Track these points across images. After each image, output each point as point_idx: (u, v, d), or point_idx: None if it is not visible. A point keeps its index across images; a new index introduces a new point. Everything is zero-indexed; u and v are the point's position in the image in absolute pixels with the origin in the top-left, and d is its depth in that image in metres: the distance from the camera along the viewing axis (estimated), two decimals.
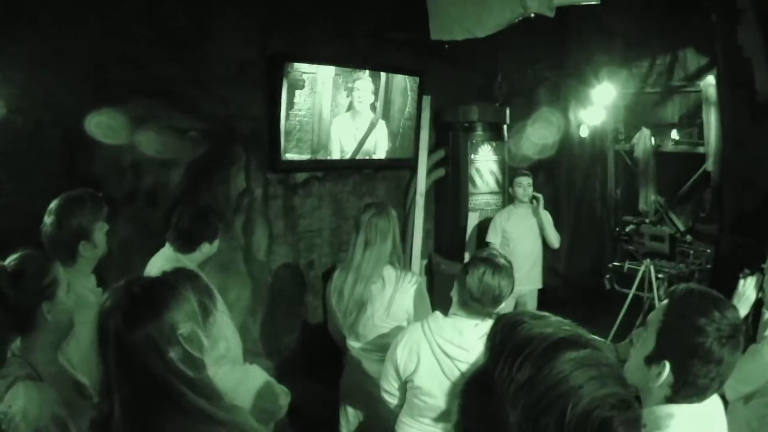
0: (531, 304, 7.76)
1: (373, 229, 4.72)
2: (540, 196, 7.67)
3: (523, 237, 7.69)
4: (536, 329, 1.45)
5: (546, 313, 1.58)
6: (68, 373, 3.04)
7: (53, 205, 3.87)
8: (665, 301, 2.44)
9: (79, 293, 3.66)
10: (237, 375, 3.43)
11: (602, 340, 6.77)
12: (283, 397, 3.73)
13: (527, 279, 7.55)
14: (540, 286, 7.91)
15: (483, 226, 8.43)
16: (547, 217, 7.76)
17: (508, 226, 7.73)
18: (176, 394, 2.15)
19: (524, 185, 7.63)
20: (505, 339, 1.46)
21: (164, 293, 2.29)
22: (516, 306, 7.59)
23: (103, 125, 5.72)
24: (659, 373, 2.29)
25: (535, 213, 7.71)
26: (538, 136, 10.04)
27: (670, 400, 2.32)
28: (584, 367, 1.36)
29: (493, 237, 7.78)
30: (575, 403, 1.32)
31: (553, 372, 1.35)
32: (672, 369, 2.28)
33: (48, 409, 2.59)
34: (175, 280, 2.80)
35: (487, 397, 1.41)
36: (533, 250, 7.75)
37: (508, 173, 8.88)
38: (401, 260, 4.96)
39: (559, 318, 1.55)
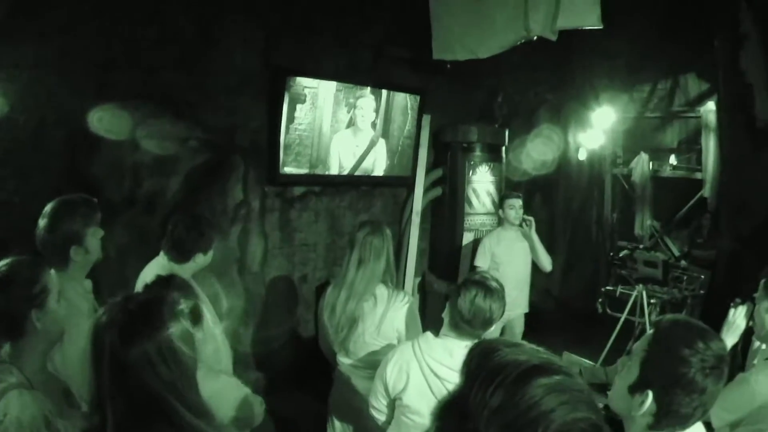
0: (518, 329, 7.65)
1: (367, 248, 4.73)
2: (531, 219, 7.49)
3: (513, 261, 7.48)
4: (510, 356, 1.47)
5: (522, 342, 1.60)
6: (57, 381, 3.01)
7: (47, 208, 3.88)
8: (650, 331, 2.45)
9: (70, 299, 3.64)
10: (212, 384, 3.42)
11: (592, 363, 6.78)
12: (258, 406, 3.74)
13: (516, 303, 7.37)
14: (527, 310, 7.72)
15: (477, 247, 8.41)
16: (537, 240, 7.54)
17: (498, 250, 7.50)
18: (171, 411, 2.14)
19: (516, 207, 7.44)
20: (480, 365, 1.48)
21: (161, 310, 2.28)
22: (503, 331, 7.54)
23: (104, 129, 5.76)
24: (642, 402, 2.30)
25: (526, 236, 7.50)
26: (537, 152, 10.03)
27: (653, 428, 2.33)
28: (555, 393, 1.38)
29: (482, 261, 7.54)
30: (546, 426, 1.33)
31: (525, 397, 1.37)
32: (655, 398, 2.29)
33: (42, 417, 2.57)
34: (170, 295, 2.80)
35: (462, 421, 1.43)
36: (523, 274, 7.56)
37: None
38: (394, 279, 4.98)
39: (533, 346, 1.57)
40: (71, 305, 3.56)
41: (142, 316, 2.21)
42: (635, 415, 2.34)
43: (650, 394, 2.29)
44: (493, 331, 3.84)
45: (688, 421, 2.33)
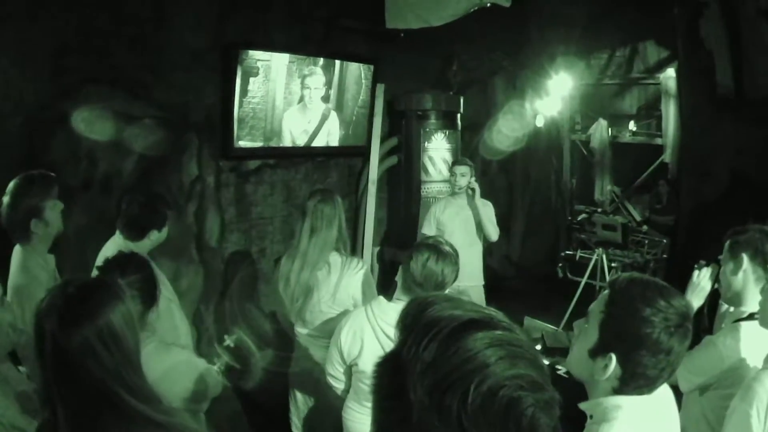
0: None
1: (318, 216, 4.73)
2: (475, 186, 7.11)
3: (456, 229, 7.11)
4: (446, 311, 1.40)
5: (462, 298, 1.53)
6: (15, 385, 2.92)
7: (9, 186, 4.09)
8: (606, 292, 2.36)
9: (32, 270, 4.03)
10: (164, 358, 3.37)
11: (554, 328, 6.80)
12: (214, 377, 3.70)
13: (465, 274, 7.14)
14: (481, 282, 7.39)
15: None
16: (485, 209, 7.18)
17: (443, 218, 7.22)
18: (116, 398, 2.12)
19: (458, 174, 7.10)
20: (415, 320, 1.42)
21: (100, 294, 2.26)
22: None
23: (61, 114, 5.75)
24: (605, 366, 2.23)
25: (470, 204, 7.19)
26: (508, 128, 10.03)
27: (619, 391, 2.27)
28: (493, 347, 1.31)
29: (426, 228, 7.28)
30: (479, 382, 1.27)
31: (459, 351, 1.31)
32: (619, 361, 2.22)
33: None
34: (111, 276, 2.75)
35: (395, 378, 1.38)
36: (468, 243, 7.08)
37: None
38: (347, 246, 4.98)
39: (473, 302, 1.51)
40: (33, 276, 3.98)
41: (80, 300, 2.19)
42: (599, 379, 2.28)
43: (614, 357, 2.22)
44: None
45: (655, 382, 2.27)
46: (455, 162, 7.43)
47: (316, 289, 4.78)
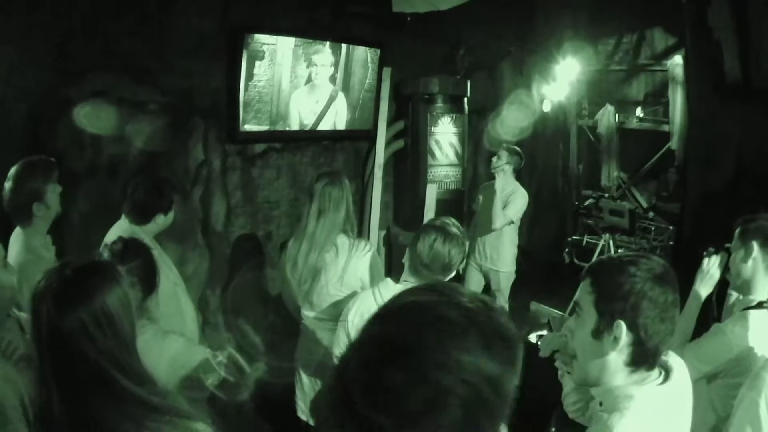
0: (495, 286, 7.59)
1: (326, 198, 4.72)
2: (498, 171, 7.27)
3: (483, 212, 7.44)
4: (422, 297, 1.39)
5: (459, 286, 1.49)
6: (13, 351, 2.89)
7: (12, 171, 4.21)
8: (586, 280, 2.35)
9: (34, 249, 4.14)
10: (160, 345, 3.32)
11: (561, 313, 6.77)
12: (212, 364, 3.66)
13: (489, 257, 7.47)
14: (504, 269, 7.61)
15: (441, 198, 8.59)
16: (512, 197, 7.33)
17: (480, 198, 7.62)
18: (110, 380, 2.14)
19: (495, 158, 7.43)
20: (388, 304, 1.42)
21: (96, 276, 2.27)
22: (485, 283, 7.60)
23: (65, 100, 5.77)
24: (615, 338, 2.21)
25: (492, 188, 7.26)
26: (515, 113, 9.98)
27: (634, 362, 2.24)
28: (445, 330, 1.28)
29: (475, 205, 7.78)
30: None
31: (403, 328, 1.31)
32: (627, 326, 2.20)
33: (15, 392, 2.51)
34: (111, 262, 2.74)
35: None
36: (491, 225, 7.25)
37: (468, 146, 8.85)
38: (355, 229, 4.99)
39: (476, 292, 1.49)
40: (35, 254, 4.10)
41: (76, 283, 2.20)
42: (611, 353, 2.25)
43: (621, 323, 2.20)
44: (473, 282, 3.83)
45: (664, 339, 2.25)
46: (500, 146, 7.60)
47: (324, 271, 4.78)
